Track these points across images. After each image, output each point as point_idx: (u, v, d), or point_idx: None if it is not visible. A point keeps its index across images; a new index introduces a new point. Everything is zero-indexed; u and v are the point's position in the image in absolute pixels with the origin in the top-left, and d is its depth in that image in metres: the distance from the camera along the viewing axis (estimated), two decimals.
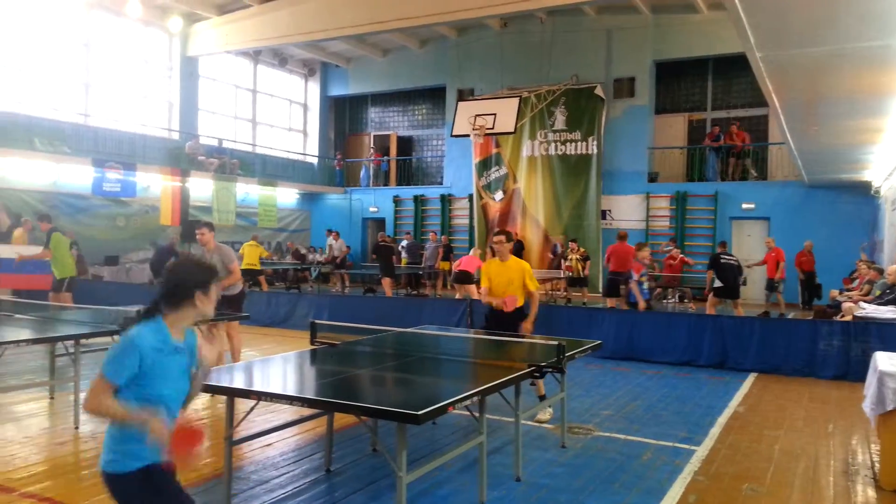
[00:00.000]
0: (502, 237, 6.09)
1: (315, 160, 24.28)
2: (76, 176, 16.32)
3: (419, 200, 22.20)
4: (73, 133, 16.60)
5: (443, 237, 19.88)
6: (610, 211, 19.01)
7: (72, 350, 5.79)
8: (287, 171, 22.71)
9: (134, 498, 2.37)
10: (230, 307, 7.27)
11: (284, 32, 17.77)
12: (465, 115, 17.16)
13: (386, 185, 23.69)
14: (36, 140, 15.73)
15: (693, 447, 5.34)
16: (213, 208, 18.92)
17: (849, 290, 11.97)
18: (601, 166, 18.86)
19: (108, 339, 5.95)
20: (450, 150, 21.78)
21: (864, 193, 15.67)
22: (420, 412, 3.12)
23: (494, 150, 20.51)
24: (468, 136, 17.37)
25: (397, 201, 22.59)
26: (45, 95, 16.60)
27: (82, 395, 5.81)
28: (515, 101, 17.21)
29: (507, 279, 6.01)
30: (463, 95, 20.60)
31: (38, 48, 16.44)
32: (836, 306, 10.70)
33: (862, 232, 15.88)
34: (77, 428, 5.53)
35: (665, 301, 16.38)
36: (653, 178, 18.97)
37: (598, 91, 18.82)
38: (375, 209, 22.99)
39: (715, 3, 16.51)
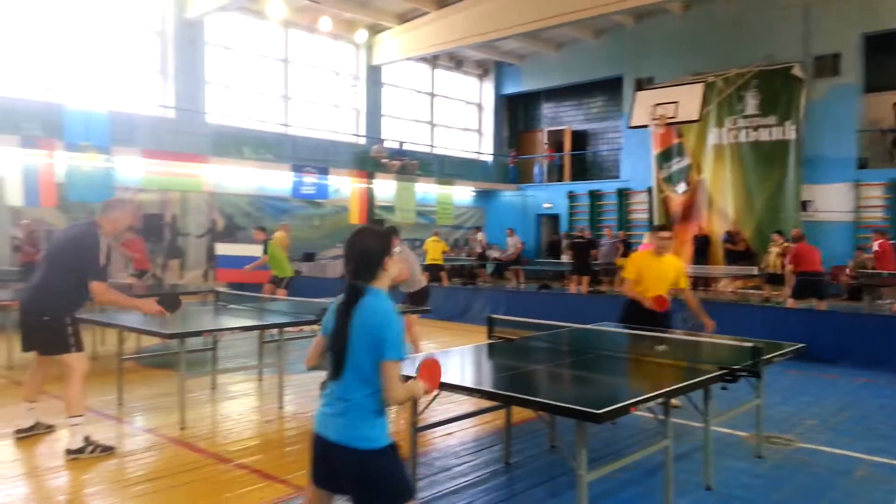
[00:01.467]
0: (669, 233, 6.11)
1: (489, 158, 24.66)
2: (278, 180, 17.99)
3: (594, 195, 21.71)
4: (275, 142, 18.34)
5: (619, 233, 19.26)
6: (812, 201, 17.25)
7: (277, 337, 6.38)
8: (463, 169, 23.30)
9: (387, 469, 2.53)
10: (413, 303, 7.67)
11: (460, 35, 18.24)
12: (644, 105, 16.48)
13: (560, 180, 23.45)
14: (244, 149, 17.58)
15: None
16: (395, 207, 19.92)
17: None
18: (801, 153, 17.18)
19: (308, 327, 6.52)
20: (627, 142, 21.04)
21: None
22: (600, 411, 3.04)
23: (676, 140, 19.45)
24: (647, 126, 16.66)
25: (572, 197, 22.27)
26: (252, 109, 18.48)
27: (286, 378, 6.40)
28: (700, 87, 16.20)
29: (660, 275, 5.87)
30: (641, 85, 19.78)
31: (243, 67, 18.34)
32: None
33: None
34: (281, 408, 6.09)
35: (881, 301, 14.54)
36: (862, 164, 16.93)
37: (796, 71, 17.13)
38: (549, 205, 22.84)
39: None
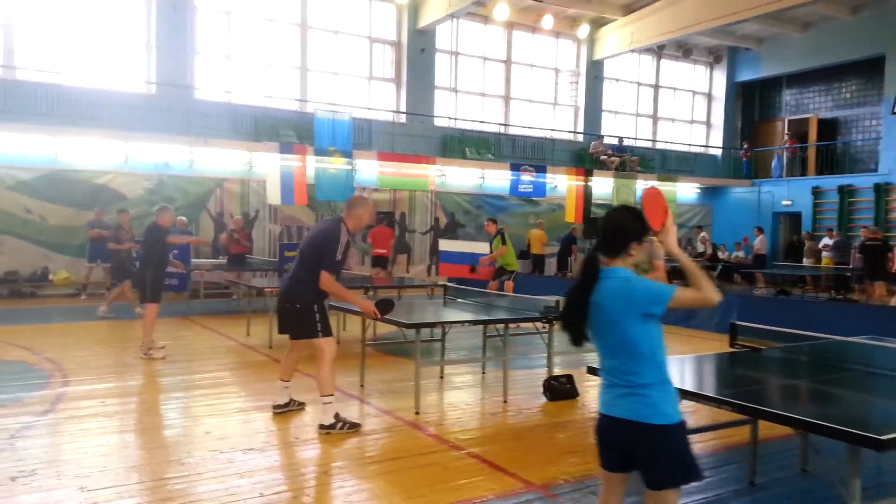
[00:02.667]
0: None
1: (719, 152, 22.98)
2: (497, 179, 18.42)
3: (845, 191, 19.23)
4: (495, 141, 18.82)
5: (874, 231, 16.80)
6: None
7: (501, 332, 6.51)
8: (688, 164, 22.00)
9: (680, 446, 2.56)
10: None
11: (692, 21, 17.21)
12: None
13: (803, 174, 21.12)
14: (466, 149, 18.26)
15: None
16: (613, 205, 19.36)
17: None
18: None
19: (530, 324, 6.57)
20: (888, 130, 18.33)
21: None
22: (884, 437, 2.64)
23: None
24: None
25: (817, 193, 19.94)
26: (474, 110, 19.13)
27: (509, 373, 6.51)
28: None
29: None
30: None
31: (467, 70, 19.02)
32: None
33: None
34: (505, 402, 6.19)
35: None
36: None
37: None
38: (789, 202, 20.68)
39: None
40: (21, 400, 5.95)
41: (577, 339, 2.65)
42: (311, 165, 15.08)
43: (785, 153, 21.50)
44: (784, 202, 20.84)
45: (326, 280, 5.06)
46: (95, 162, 13.96)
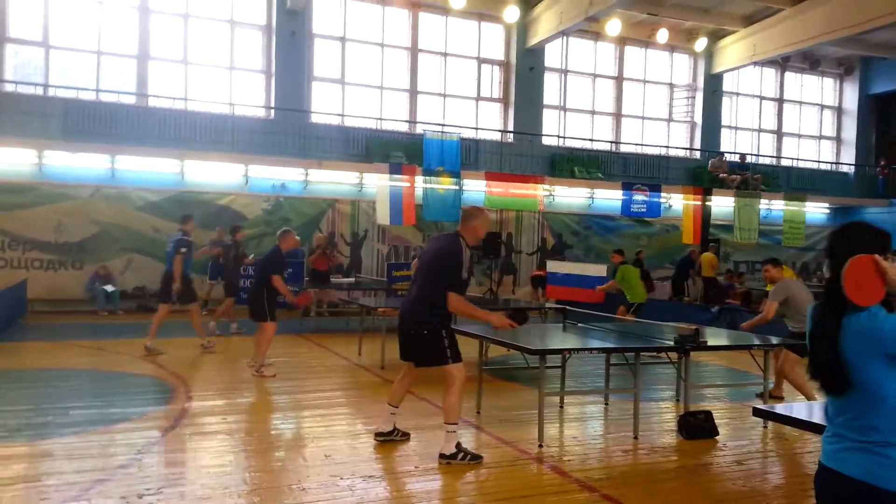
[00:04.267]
0: None
1: (850, 169, 21.23)
2: (607, 199, 17.79)
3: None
4: (605, 160, 18.22)
5: None
6: None
7: (632, 361, 6.04)
8: (816, 183, 20.44)
9: None
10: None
11: (821, 31, 16.03)
12: None
13: None
14: (575, 168, 17.77)
15: None
16: (734, 226, 18.25)
17: None
18: None
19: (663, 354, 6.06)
20: None
21: None
22: None
23: None
24: None
25: None
26: (584, 128, 18.64)
27: (650, 405, 6.03)
28: None
29: None
30: None
31: (578, 87, 18.57)
32: None
33: None
34: (636, 438, 5.71)
35: None
36: None
37: None
38: None
39: None
40: (148, 414, 6.08)
41: (837, 386, 2.20)
42: (420, 186, 15.11)
43: None
44: None
45: (455, 301, 4.77)
46: (218, 184, 14.60)
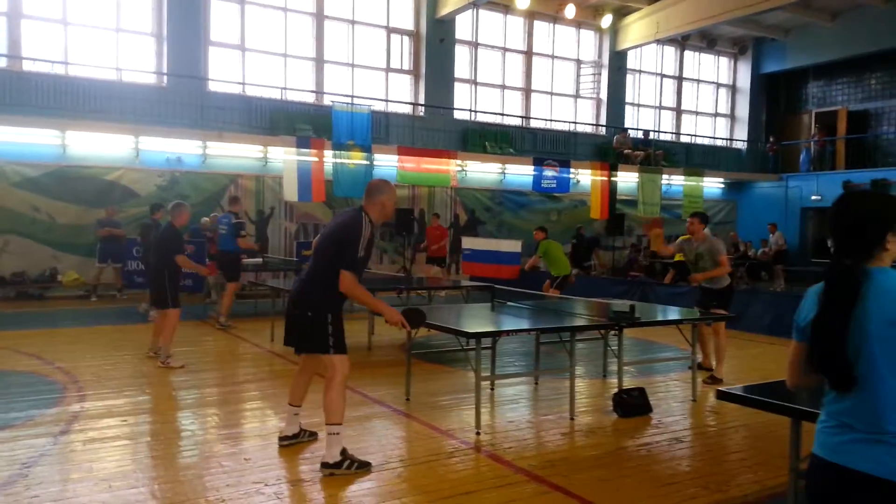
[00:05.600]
0: None
1: (744, 146, 22.30)
2: (518, 174, 17.77)
3: (879, 185, 18.51)
4: (516, 135, 18.16)
5: None
6: None
7: (560, 339, 5.88)
8: (713, 158, 21.33)
9: None
10: (719, 305, 6.80)
11: (719, 11, 16.58)
12: None
13: (833, 168, 20.43)
14: (487, 144, 17.61)
15: None
16: (638, 201, 18.74)
17: None
18: None
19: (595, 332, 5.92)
20: None
21: None
22: None
23: None
24: None
25: (847, 187, 19.25)
26: (494, 103, 18.47)
27: (562, 384, 5.87)
28: None
29: None
30: None
31: (486, 61, 18.34)
32: None
33: None
34: (573, 419, 5.56)
35: None
36: None
37: None
38: (818, 197, 19.99)
39: None
40: (34, 418, 5.33)
41: (844, 381, 1.98)
42: (329, 160, 14.45)
43: (813, 147, 20.82)
44: (813, 197, 20.16)
45: (347, 281, 4.15)
46: (105, 156, 13.36)
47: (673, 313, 7.05)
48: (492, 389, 6.48)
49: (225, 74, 15.13)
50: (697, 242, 7.09)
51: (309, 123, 15.12)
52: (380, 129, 15.77)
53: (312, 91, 15.99)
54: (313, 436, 4.87)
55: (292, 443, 4.75)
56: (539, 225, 12.25)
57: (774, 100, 22.63)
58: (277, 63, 15.78)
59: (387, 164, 15.52)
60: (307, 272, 4.47)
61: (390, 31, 17.05)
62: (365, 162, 14.84)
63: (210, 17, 14.89)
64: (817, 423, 2.11)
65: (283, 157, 14.15)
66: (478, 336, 5.01)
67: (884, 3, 18.11)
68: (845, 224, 2.06)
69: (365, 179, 14.78)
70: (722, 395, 3.45)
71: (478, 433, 5.06)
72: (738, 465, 4.63)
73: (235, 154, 14.58)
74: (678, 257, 15.68)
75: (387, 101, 16.68)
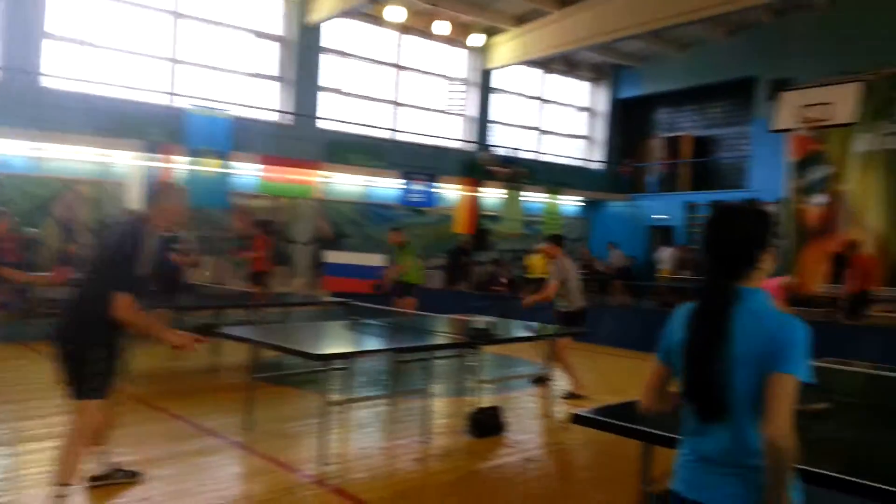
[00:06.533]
0: None
1: (600, 166, 23.46)
2: (385, 188, 17.54)
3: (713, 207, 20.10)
4: (384, 148, 17.93)
5: None
6: None
7: (423, 357, 5.66)
8: (571, 178, 22.22)
9: None
10: (566, 324, 6.86)
11: (582, 36, 17.28)
12: (790, 107, 14.98)
13: (677, 190, 21.95)
14: (354, 156, 17.24)
15: None
16: (501, 217, 19.13)
17: None
18: None
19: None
20: (757, 149, 19.35)
21: None
22: None
23: (816, 147, 17.63)
24: (792, 130, 15.12)
25: (691, 208, 20.74)
26: (363, 115, 18.14)
27: (438, 403, 5.63)
28: (854, 86, 14.54)
29: None
30: (779, 86, 18.10)
31: (356, 72, 18.04)
32: None
33: None
34: (427, 443, 5.33)
35: None
36: None
37: None
38: (662, 216, 21.38)
39: None
40: None
41: (715, 410, 1.85)
42: (181, 168, 13.48)
43: (660, 169, 22.27)
44: (658, 216, 21.52)
45: (122, 305, 3.46)
46: None
47: (531, 329, 7.06)
48: (343, 414, 6.13)
49: (64, 70, 13.73)
50: (552, 264, 7.22)
51: (160, 127, 14.05)
52: (240, 138, 14.95)
53: (167, 93, 14.90)
54: (132, 476, 4.27)
55: (105, 483, 4.15)
56: (397, 226, 11.86)
57: (629, 124, 24.00)
58: (126, 62, 14.56)
59: (247, 173, 14.75)
60: (77, 294, 3.76)
61: (256, 35, 16.28)
62: (223, 170, 14.02)
63: (45, 5, 13.46)
64: (678, 457, 1.99)
65: (129, 163, 13.03)
66: (324, 358, 4.66)
67: (725, 37, 19.72)
68: (717, 242, 1.98)
69: (223, 189, 13.98)
70: (576, 420, 3.34)
71: (326, 464, 4.70)
72: (588, 484, 4.60)
73: (73, 157, 13.24)
74: (543, 275, 16.23)
75: (249, 107, 15.88)
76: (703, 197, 20.52)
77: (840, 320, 12.13)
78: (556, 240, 7.31)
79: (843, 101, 14.19)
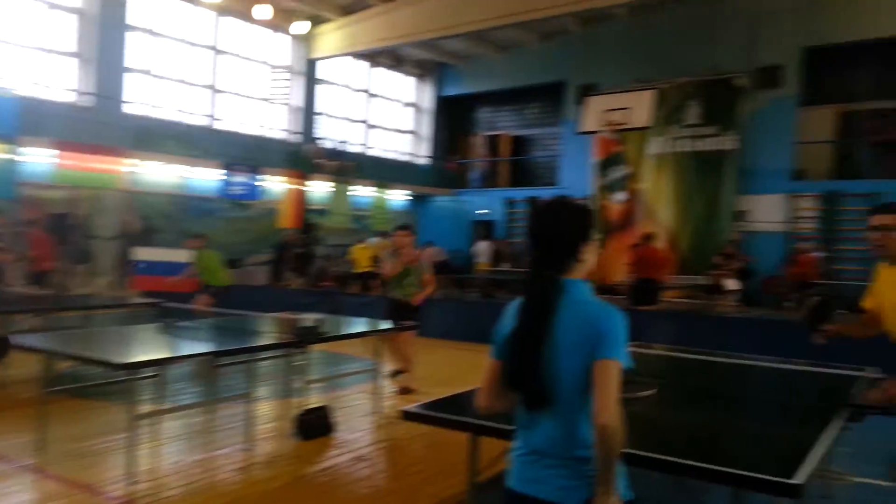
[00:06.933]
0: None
1: (426, 161, 23.91)
2: (203, 179, 16.51)
3: (534, 202, 21.35)
4: (201, 137, 16.84)
5: None
6: (748, 212, 17.50)
7: (236, 360, 5.36)
8: (399, 172, 22.43)
9: None
10: (412, 316, 6.90)
11: (405, 32, 17.42)
12: (594, 111, 16.20)
13: (497, 187, 22.99)
14: (167, 144, 16.00)
15: None
16: (329, 211, 18.83)
17: None
18: (739, 163, 17.40)
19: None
20: (566, 149, 20.80)
21: None
22: (794, 481, 2.20)
23: (617, 149, 19.29)
24: (596, 132, 16.40)
25: (510, 203, 21.83)
26: (177, 100, 16.88)
27: (238, 410, 5.33)
28: (650, 93, 16.08)
29: None
30: (585, 91, 19.58)
31: (168, 54, 16.74)
32: None
33: None
34: (250, 450, 5.05)
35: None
36: (797, 175, 17.31)
37: (739, 81, 17.34)
38: (484, 211, 22.31)
39: None
40: None
41: (539, 400, 1.88)
42: None
43: (482, 166, 23.18)
44: (480, 211, 22.41)
45: None
46: None
47: (361, 325, 6.97)
48: (155, 425, 5.63)
49: None
50: (406, 257, 7.10)
51: None
52: (31, 119, 13.23)
53: None
54: None
55: None
56: (201, 234, 11.07)
57: (453, 121, 24.67)
58: None
59: (39, 159, 13.13)
60: None
61: (51, 6, 14.48)
62: (8, 156, 12.36)
63: None
64: (511, 452, 2.00)
65: None
66: (129, 367, 4.23)
67: (539, 42, 20.91)
68: (542, 236, 2.02)
69: (8, 177, 12.36)
70: (406, 416, 3.32)
71: (134, 483, 4.27)
72: (418, 479, 4.62)
73: None
74: (368, 268, 16.19)
75: (42, 86, 14.12)
76: (521, 193, 21.69)
77: (630, 307, 13.36)
78: (412, 230, 7.26)
79: (639, 107, 15.62)
